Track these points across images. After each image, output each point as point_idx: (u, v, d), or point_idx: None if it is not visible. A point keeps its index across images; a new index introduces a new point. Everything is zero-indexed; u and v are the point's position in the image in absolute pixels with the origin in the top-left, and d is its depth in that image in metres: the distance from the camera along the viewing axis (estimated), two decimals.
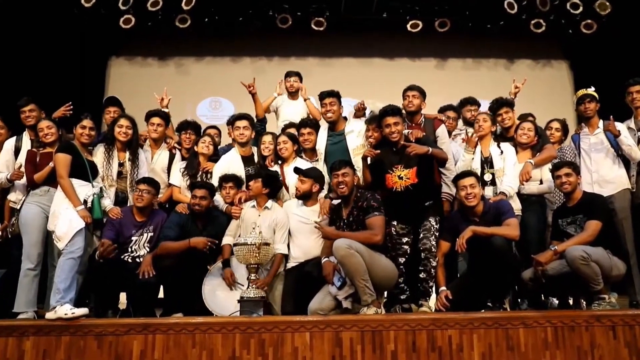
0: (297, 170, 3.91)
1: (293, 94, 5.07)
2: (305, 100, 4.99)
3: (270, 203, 3.92)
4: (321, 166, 4.17)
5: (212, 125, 5.11)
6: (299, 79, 5.10)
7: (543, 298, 3.90)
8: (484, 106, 6.07)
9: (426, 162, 3.79)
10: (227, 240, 3.89)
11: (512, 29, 7.45)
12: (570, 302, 3.81)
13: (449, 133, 4.57)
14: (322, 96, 4.25)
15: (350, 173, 3.65)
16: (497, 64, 8.19)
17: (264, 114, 5.03)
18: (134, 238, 3.80)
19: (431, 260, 3.69)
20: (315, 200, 3.89)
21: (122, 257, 3.74)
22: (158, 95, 4.93)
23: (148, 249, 3.80)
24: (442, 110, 4.79)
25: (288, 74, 5.11)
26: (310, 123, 4.28)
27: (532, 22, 7.20)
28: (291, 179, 4.06)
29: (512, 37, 7.74)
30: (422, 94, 4.37)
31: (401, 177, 3.77)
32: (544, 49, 8.04)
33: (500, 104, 4.45)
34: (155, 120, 4.36)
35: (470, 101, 4.99)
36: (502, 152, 4.10)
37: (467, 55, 8.16)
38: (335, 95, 4.22)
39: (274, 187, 3.96)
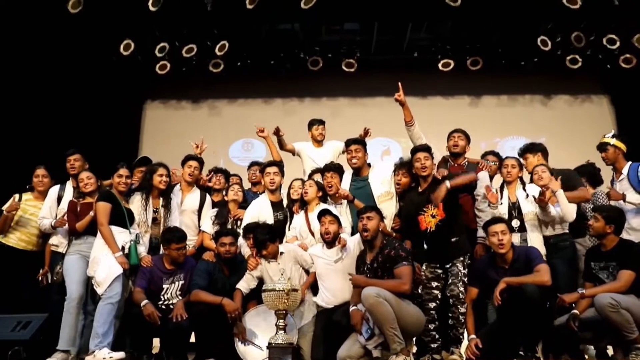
0: (325, 211, 4.09)
1: (318, 141, 5.29)
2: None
3: (282, 247, 4.13)
4: (344, 209, 4.39)
5: (235, 174, 5.33)
6: (324, 127, 5.29)
7: (580, 347, 3.94)
8: (521, 143, 6.19)
9: (449, 198, 3.98)
10: (240, 285, 4.08)
11: (548, 64, 7.60)
12: (610, 352, 3.84)
13: (490, 178, 4.72)
14: (348, 143, 4.53)
15: (375, 217, 3.82)
16: (533, 100, 8.32)
17: (280, 157, 5.21)
18: (165, 286, 4.06)
19: (459, 306, 3.83)
20: (339, 243, 4.09)
21: (156, 304, 3.98)
22: (193, 141, 5.23)
23: (180, 298, 4.05)
24: (484, 155, 4.93)
25: (313, 123, 5.32)
26: (334, 167, 4.51)
27: (568, 58, 7.34)
28: (316, 225, 4.24)
29: (548, 73, 7.88)
30: (467, 137, 4.72)
31: (434, 215, 3.98)
32: (583, 84, 8.14)
33: (524, 150, 4.58)
34: (193, 163, 4.69)
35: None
36: (527, 195, 4.23)
37: (501, 92, 8.33)
38: (361, 142, 4.51)
39: (278, 236, 4.18)
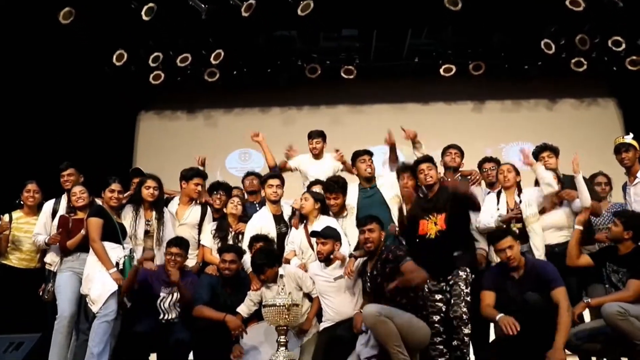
0: (314, 233, 4.11)
1: (317, 154, 5.32)
2: (343, 163, 5.16)
3: (282, 270, 4.10)
4: (352, 222, 4.42)
5: (236, 186, 5.36)
6: (322, 140, 5.33)
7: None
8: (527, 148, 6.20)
9: (457, 209, 4.02)
10: (240, 309, 4.07)
11: (552, 68, 7.65)
12: None
13: (492, 184, 4.81)
14: (360, 153, 4.71)
15: (377, 228, 3.85)
16: (538, 104, 8.37)
17: (274, 162, 5.28)
18: (162, 294, 4.10)
19: (463, 328, 3.80)
20: (336, 258, 4.08)
21: (156, 320, 4.02)
22: (197, 155, 5.33)
23: (178, 310, 4.11)
24: (481, 163, 4.97)
25: (310, 135, 5.37)
26: (337, 187, 4.49)
27: (573, 61, 7.36)
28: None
29: (553, 77, 7.92)
30: (462, 153, 4.94)
31: (436, 223, 4.03)
32: (588, 87, 8.19)
33: (541, 149, 4.63)
34: (199, 181, 4.70)
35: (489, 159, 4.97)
36: (521, 201, 4.30)
37: (505, 97, 8.38)
38: (371, 153, 4.71)
39: (278, 259, 4.17)
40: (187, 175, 4.71)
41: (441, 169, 4.95)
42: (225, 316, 3.91)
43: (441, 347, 3.86)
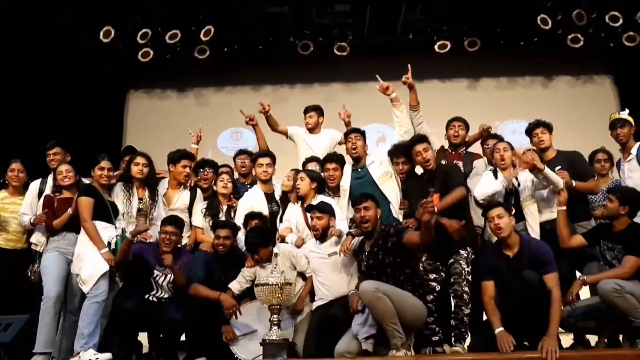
0: (310, 207, 4.07)
1: (310, 129, 5.21)
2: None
3: (276, 248, 4.07)
4: (345, 203, 4.38)
5: (224, 164, 5.29)
6: (316, 114, 5.21)
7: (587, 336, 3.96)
8: (522, 126, 6.19)
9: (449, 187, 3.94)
10: (232, 285, 4.04)
11: (548, 45, 7.59)
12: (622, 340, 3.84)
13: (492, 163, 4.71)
14: (348, 132, 4.59)
15: (373, 206, 3.79)
16: (533, 82, 8.33)
17: (266, 147, 5.14)
18: (155, 272, 4.07)
19: (463, 308, 3.77)
20: (331, 235, 4.03)
21: (147, 297, 4.01)
22: (192, 131, 5.27)
23: (172, 291, 4.07)
24: (484, 139, 4.93)
25: (305, 110, 5.25)
26: (336, 158, 4.47)
27: (569, 37, 7.32)
28: None
29: (549, 53, 7.86)
30: (467, 126, 4.83)
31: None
32: (585, 64, 8.16)
33: (534, 125, 4.55)
34: (187, 163, 4.57)
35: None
36: (519, 184, 4.22)
37: (500, 74, 8.34)
38: (361, 131, 4.57)
39: (272, 239, 4.13)
40: (174, 157, 4.58)
41: (446, 143, 4.95)
42: (220, 295, 3.88)
43: (433, 326, 3.86)
